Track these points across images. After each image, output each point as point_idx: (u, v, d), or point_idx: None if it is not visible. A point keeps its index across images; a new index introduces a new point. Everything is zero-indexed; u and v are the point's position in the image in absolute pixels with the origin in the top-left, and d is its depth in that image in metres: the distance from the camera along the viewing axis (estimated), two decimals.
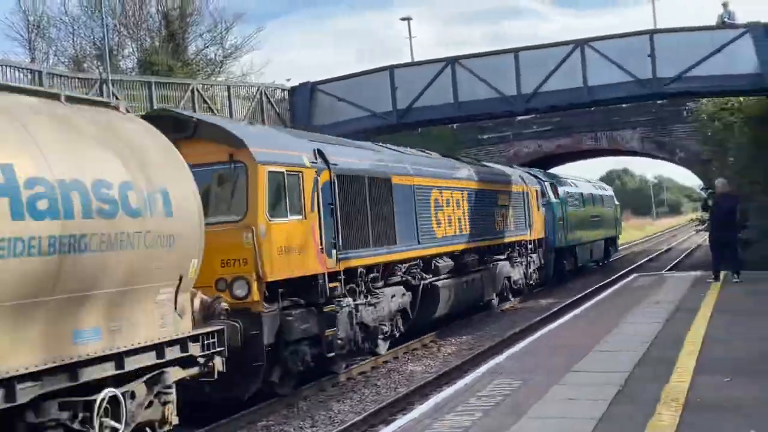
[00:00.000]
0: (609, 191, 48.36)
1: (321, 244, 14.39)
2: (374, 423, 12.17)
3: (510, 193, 26.26)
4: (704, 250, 44.56)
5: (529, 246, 27.88)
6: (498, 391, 9.64)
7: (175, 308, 10.07)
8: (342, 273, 15.12)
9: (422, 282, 18.96)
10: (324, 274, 14.45)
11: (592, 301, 18.92)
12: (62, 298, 8.24)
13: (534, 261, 28.43)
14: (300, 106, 29.59)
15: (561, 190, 33.62)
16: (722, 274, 20.21)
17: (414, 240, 18.50)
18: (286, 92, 30.37)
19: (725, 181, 20.76)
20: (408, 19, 40.78)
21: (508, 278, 25.49)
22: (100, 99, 12.90)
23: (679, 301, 16.87)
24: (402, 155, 19.85)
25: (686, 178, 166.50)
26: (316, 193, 14.46)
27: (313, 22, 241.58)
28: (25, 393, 7.96)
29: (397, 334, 18.04)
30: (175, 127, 12.72)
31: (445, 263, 20.25)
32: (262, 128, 17.29)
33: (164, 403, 10.20)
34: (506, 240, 25.34)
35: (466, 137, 43.93)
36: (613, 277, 30.82)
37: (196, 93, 26.12)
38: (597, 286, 28.18)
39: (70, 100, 9.78)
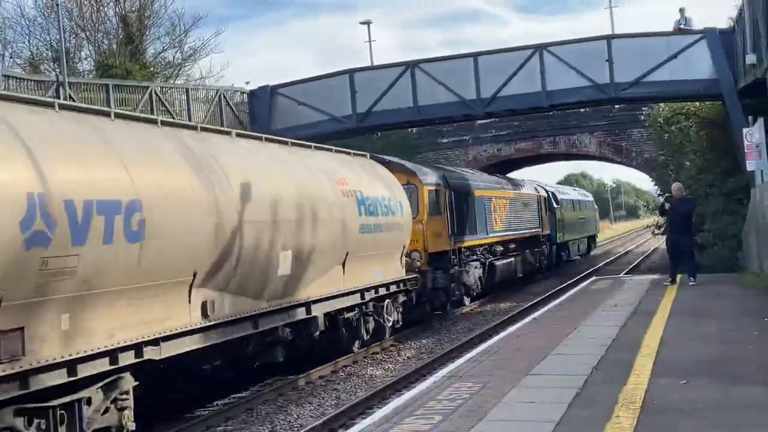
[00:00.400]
0: (590, 197, 57.59)
1: (448, 232, 23.96)
2: (334, 427, 12.13)
3: (531, 200, 35.48)
4: (660, 253, 45.00)
5: (542, 239, 36.82)
6: (457, 394, 9.65)
7: (401, 263, 20.25)
8: (454, 251, 24.44)
9: (487, 260, 28.05)
10: (449, 250, 24.07)
11: (551, 305, 19.02)
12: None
13: (544, 251, 37.29)
14: (260, 110, 29.52)
15: (559, 197, 42.14)
16: (679, 277, 20.39)
17: (484, 232, 27.84)
18: (245, 95, 30.27)
19: (681, 184, 20.98)
20: (368, 23, 40.69)
21: (530, 262, 34.22)
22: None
23: (636, 304, 16.99)
24: (473, 175, 30.21)
25: (643, 181, 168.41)
26: (444, 202, 24.16)
27: (273, 25, 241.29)
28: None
29: (475, 294, 26.92)
30: (382, 163, 21.18)
31: (498, 248, 29.34)
32: (420, 165, 25.67)
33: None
34: (531, 234, 34.40)
35: (426, 141, 44.08)
36: (571, 280, 31.00)
37: (154, 96, 25.93)
38: (556, 288, 28.33)
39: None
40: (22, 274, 8.66)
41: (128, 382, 10.50)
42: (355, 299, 17.48)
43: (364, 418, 10.40)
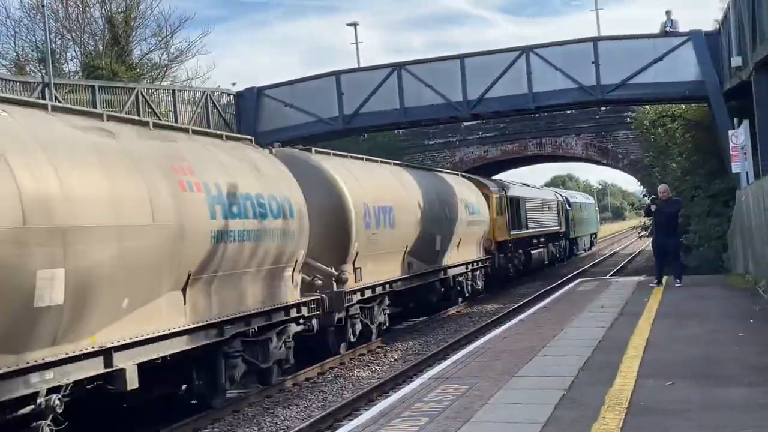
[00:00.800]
0: (592, 200, 72.89)
1: (507, 227, 32.67)
2: (320, 429, 12.13)
3: (553, 203, 45.34)
4: (646, 255, 45.15)
5: (560, 235, 46.79)
6: (444, 396, 9.65)
7: (481, 247, 29.55)
8: (509, 241, 33.32)
9: (526, 249, 36.81)
10: (508, 240, 32.85)
11: (538, 306, 19.02)
12: None
13: (561, 244, 47.51)
14: (246, 111, 29.49)
15: (570, 200, 52.75)
16: (665, 278, 20.44)
17: (525, 228, 36.56)
18: (232, 97, 30.23)
19: (668, 186, 21.02)
20: (355, 24, 40.68)
21: (553, 252, 44.23)
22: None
23: (622, 306, 17.02)
24: (518, 185, 39.01)
25: (629, 183, 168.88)
26: (504, 205, 32.82)
27: (258, 27, 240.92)
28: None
29: (519, 271, 35.47)
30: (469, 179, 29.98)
31: (534, 241, 38.30)
32: (488, 180, 33.95)
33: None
34: (554, 230, 44.09)
35: (413, 143, 44.09)
36: (558, 282, 31.07)
37: (140, 97, 25.85)
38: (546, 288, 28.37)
39: None
40: None
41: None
42: (461, 269, 26.66)
43: (351, 419, 10.40)
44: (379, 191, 19.92)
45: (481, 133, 44.41)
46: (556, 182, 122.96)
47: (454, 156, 44.72)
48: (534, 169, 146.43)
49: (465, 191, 27.99)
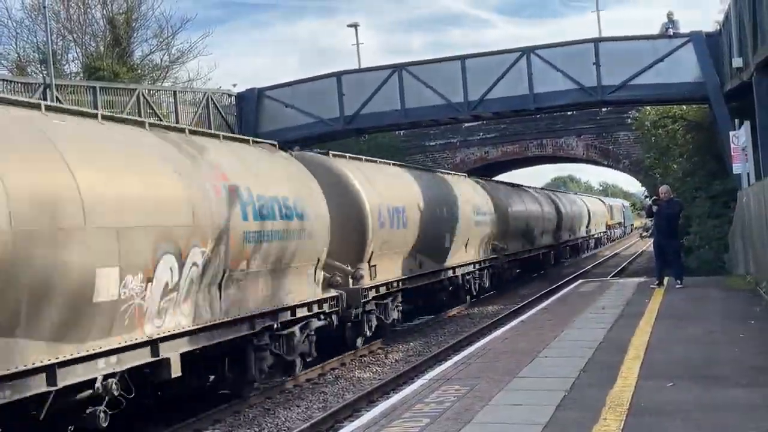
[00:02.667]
0: (627, 203, 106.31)
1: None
2: (321, 430, 12.14)
3: (619, 208, 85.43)
4: (647, 256, 45.13)
5: (624, 225, 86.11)
6: (445, 397, 9.66)
7: None
8: (609, 227, 67.34)
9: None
10: (609, 225, 67.48)
11: (539, 307, 19.03)
12: None
13: (624, 230, 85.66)
14: (247, 113, 29.50)
15: (622, 204, 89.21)
16: (665, 279, 20.44)
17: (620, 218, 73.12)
18: (233, 98, 30.24)
19: (668, 187, 21.03)
20: (355, 25, 40.67)
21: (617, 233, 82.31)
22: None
23: (623, 307, 17.02)
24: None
25: (630, 184, 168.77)
26: (614, 212, 73.53)
27: (259, 28, 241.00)
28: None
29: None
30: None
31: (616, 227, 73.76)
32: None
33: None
34: (621, 222, 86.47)
35: (413, 143, 44.08)
36: (559, 283, 31.05)
37: (141, 98, 25.86)
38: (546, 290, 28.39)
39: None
40: None
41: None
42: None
43: (352, 420, 10.41)
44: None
45: (481, 134, 44.43)
46: (556, 183, 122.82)
47: (454, 157, 44.73)
48: (536, 170, 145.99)
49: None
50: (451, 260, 25.18)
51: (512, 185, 38.05)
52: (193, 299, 12.05)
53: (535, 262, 39.25)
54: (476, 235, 27.63)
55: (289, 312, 14.89)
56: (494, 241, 29.93)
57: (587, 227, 57.84)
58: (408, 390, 10.57)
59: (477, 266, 27.92)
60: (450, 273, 25.06)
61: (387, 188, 20.45)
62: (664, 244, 19.93)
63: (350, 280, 17.74)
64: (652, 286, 20.35)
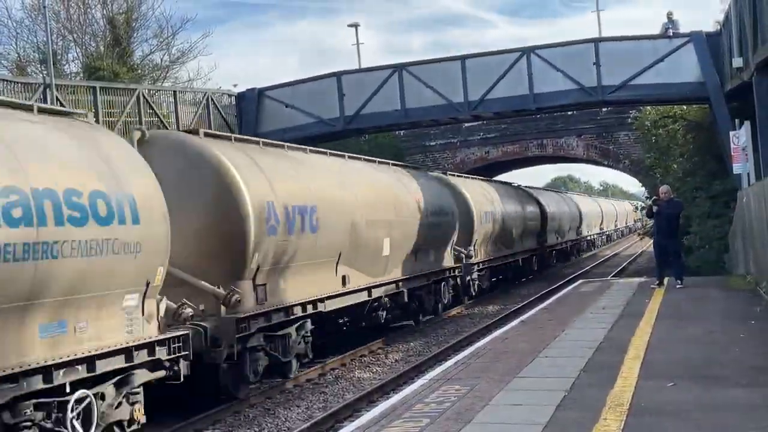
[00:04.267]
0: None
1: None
2: (321, 430, 12.13)
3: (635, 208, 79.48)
4: (647, 256, 45.13)
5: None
6: (445, 397, 9.66)
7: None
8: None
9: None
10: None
11: (539, 307, 19.02)
12: None
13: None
14: (247, 113, 29.50)
15: (634, 205, 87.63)
16: (666, 279, 20.43)
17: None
18: (233, 98, 30.23)
19: (669, 187, 21.04)
20: (356, 25, 40.67)
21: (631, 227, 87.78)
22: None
23: (623, 307, 17.02)
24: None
25: (631, 184, 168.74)
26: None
27: (259, 28, 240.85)
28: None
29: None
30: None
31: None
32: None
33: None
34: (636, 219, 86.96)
35: (414, 143, 44.08)
36: (559, 283, 31.05)
37: (141, 98, 25.84)
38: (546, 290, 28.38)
39: None
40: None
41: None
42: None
43: (352, 420, 10.40)
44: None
45: (482, 134, 44.41)
46: (556, 184, 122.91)
47: (455, 157, 44.72)
48: (536, 170, 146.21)
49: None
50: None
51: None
52: None
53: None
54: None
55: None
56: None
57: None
58: (408, 390, 10.57)
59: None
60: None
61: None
62: (665, 244, 19.93)
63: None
64: (652, 286, 20.34)
